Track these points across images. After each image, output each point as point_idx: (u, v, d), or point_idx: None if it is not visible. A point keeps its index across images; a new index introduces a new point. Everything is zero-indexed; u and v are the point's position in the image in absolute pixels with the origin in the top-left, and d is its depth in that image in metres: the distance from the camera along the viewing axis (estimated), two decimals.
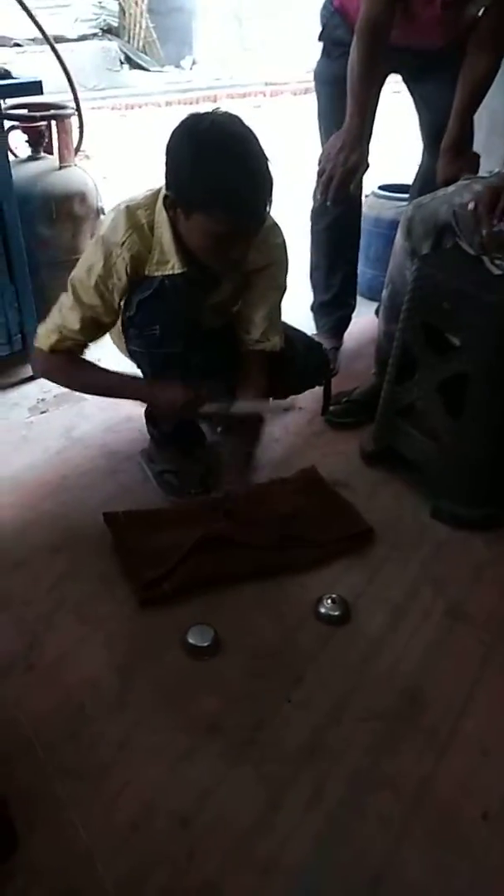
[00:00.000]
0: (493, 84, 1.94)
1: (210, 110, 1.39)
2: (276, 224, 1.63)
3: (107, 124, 7.15)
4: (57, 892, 1.04)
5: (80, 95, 2.55)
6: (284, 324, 1.80)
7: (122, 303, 1.56)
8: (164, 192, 1.46)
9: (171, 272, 1.51)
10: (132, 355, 1.71)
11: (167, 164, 1.41)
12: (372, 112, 1.98)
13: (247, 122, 1.39)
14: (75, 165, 2.47)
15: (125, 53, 10.20)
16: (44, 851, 1.09)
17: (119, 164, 5.30)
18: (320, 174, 1.94)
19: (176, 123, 1.40)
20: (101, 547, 1.64)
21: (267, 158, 1.39)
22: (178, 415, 1.68)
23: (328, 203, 2.00)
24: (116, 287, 1.52)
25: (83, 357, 1.65)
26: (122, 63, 10.02)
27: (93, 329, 1.59)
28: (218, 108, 1.40)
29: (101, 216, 2.45)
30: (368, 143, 1.96)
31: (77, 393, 2.29)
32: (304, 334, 1.95)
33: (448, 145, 2.00)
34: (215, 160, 1.34)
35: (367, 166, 1.96)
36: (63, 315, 1.58)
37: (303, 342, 1.88)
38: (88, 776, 1.19)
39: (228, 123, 1.37)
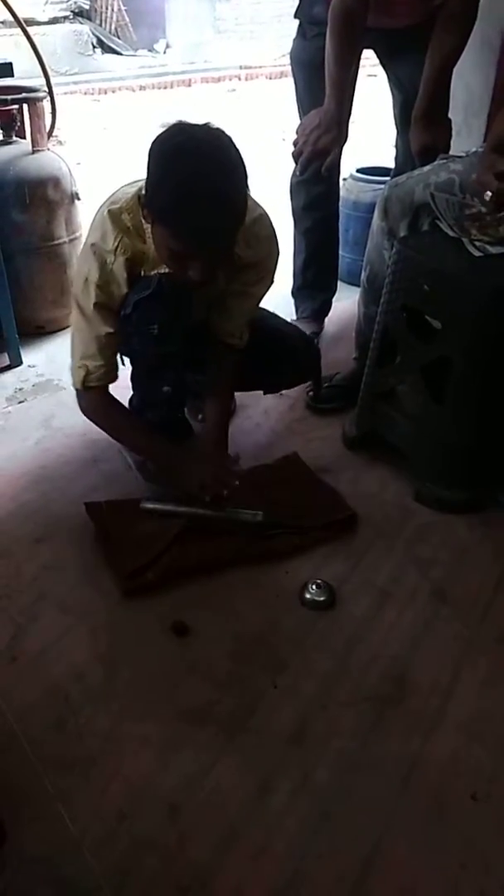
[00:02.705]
0: (470, 60, 1.94)
1: (201, 123, 1.32)
2: (264, 215, 1.56)
3: (80, 109, 7.06)
4: (47, 882, 1.04)
5: (52, 80, 2.50)
6: (277, 318, 1.79)
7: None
8: (142, 190, 1.40)
9: (167, 270, 1.46)
10: (126, 353, 1.67)
11: (147, 164, 1.35)
12: (350, 93, 1.96)
13: (235, 144, 1.31)
14: (48, 150, 2.42)
15: (97, 37, 10.06)
16: (33, 843, 1.08)
17: (93, 150, 5.23)
18: (295, 145, 1.93)
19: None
20: (84, 537, 1.62)
21: (244, 187, 1.33)
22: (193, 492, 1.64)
23: (298, 174, 1.98)
24: (117, 294, 1.49)
25: (114, 401, 1.64)
26: (94, 47, 9.89)
27: (109, 345, 1.55)
28: (209, 122, 1.33)
29: (76, 201, 2.41)
30: (347, 124, 1.95)
31: (55, 381, 2.28)
32: (297, 329, 1.94)
33: (418, 115, 1.98)
34: (184, 177, 1.27)
35: (341, 150, 1.94)
36: (78, 341, 1.56)
37: (299, 338, 1.86)
38: (75, 767, 1.18)
39: (211, 142, 1.29)
